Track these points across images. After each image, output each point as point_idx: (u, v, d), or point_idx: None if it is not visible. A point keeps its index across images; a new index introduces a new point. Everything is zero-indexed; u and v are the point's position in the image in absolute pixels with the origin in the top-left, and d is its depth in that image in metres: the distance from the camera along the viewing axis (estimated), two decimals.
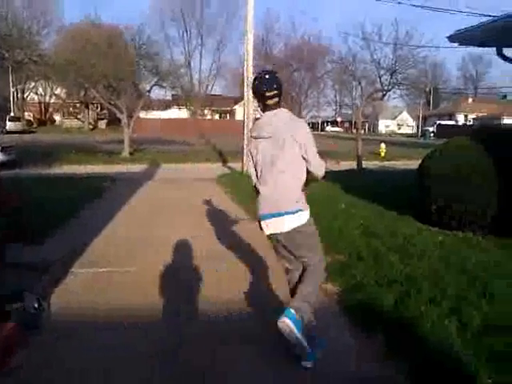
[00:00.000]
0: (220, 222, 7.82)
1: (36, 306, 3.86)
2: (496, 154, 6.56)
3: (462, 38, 7.54)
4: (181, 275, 5.05)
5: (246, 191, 11.06)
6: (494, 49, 7.53)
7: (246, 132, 15.99)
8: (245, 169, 16.08)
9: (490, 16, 7.89)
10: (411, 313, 3.74)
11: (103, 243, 6.35)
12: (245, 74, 16.00)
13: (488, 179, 6.54)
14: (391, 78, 18.31)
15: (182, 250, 5.87)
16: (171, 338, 3.56)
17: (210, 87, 61.20)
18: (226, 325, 3.80)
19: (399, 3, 23.06)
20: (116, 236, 6.80)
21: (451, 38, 7.47)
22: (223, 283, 4.76)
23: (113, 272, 5.12)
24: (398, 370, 3.00)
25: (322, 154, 3.28)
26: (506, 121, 52.39)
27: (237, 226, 7.38)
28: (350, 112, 79.68)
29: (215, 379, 3.02)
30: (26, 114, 54.98)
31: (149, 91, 25.27)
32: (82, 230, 7.18)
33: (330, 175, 15.27)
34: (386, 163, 22.07)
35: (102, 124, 60.34)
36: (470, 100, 77.72)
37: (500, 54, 7.34)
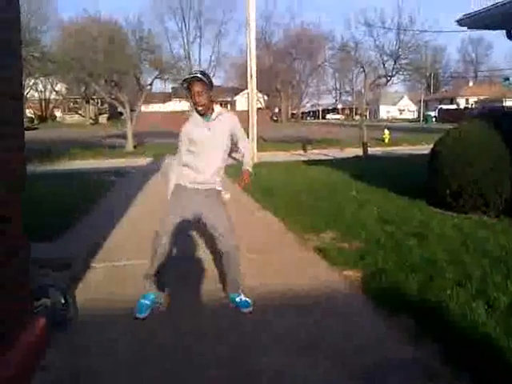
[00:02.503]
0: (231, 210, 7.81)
1: (63, 301, 3.87)
2: (507, 136, 6.56)
3: (470, 21, 7.47)
4: (205, 264, 5.06)
5: (255, 181, 11.08)
6: (494, 31, 7.49)
7: (250, 121, 15.96)
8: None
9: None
10: (437, 296, 3.75)
11: (121, 237, 6.36)
12: (248, 64, 15.90)
13: (500, 161, 6.54)
14: (395, 63, 18.16)
15: (194, 238, 5.86)
16: (194, 329, 3.59)
17: None
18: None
19: None
20: (134, 228, 6.80)
21: (460, 22, 7.40)
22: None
23: (133, 265, 5.10)
24: (433, 352, 3.02)
25: None
26: (509, 103, 52.12)
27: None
28: (350, 99, 79.39)
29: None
30: (26, 111, 54.96)
31: (150, 84, 25.24)
32: (98, 224, 7.18)
33: (337, 162, 15.27)
34: (391, 149, 22.03)
35: (103, 119, 60.34)
36: (471, 83, 77.39)
37: (510, 37, 7.27)
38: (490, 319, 3.31)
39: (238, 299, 3.95)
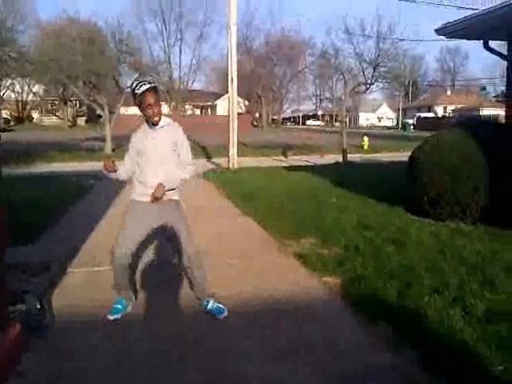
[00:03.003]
0: (212, 216, 7.80)
1: (38, 307, 3.81)
2: (484, 144, 6.68)
3: (448, 31, 7.61)
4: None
5: (235, 186, 11.07)
6: (471, 41, 7.65)
7: (231, 126, 15.94)
8: (231, 164, 16.03)
9: (474, 9, 7.95)
10: (415, 303, 3.80)
11: (99, 239, 6.28)
12: (229, 68, 15.86)
13: (476, 170, 6.64)
14: (374, 71, 18.40)
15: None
16: (171, 334, 3.56)
17: (190, 82, 60.82)
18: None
19: None
20: (113, 231, 6.70)
21: (439, 31, 7.53)
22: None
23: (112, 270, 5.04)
24: (411, 358, 3.05)
25: None
26: (485, 112, 53.15)
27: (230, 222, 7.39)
28: (330, 105, 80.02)
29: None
30: (3, 112, 54.04)
31: (129, 87, 25.04)
32: (75, 227, 7.09)
33: (317, 168, 15.32)
34: (370, 156, 22.24)
35: (81, 121, 59.69)
36: (449, 92, 78.73)
37: (486, 47, 7.43)
38: (467, 326, 3.36)
39: (209, 306, 3.91)
